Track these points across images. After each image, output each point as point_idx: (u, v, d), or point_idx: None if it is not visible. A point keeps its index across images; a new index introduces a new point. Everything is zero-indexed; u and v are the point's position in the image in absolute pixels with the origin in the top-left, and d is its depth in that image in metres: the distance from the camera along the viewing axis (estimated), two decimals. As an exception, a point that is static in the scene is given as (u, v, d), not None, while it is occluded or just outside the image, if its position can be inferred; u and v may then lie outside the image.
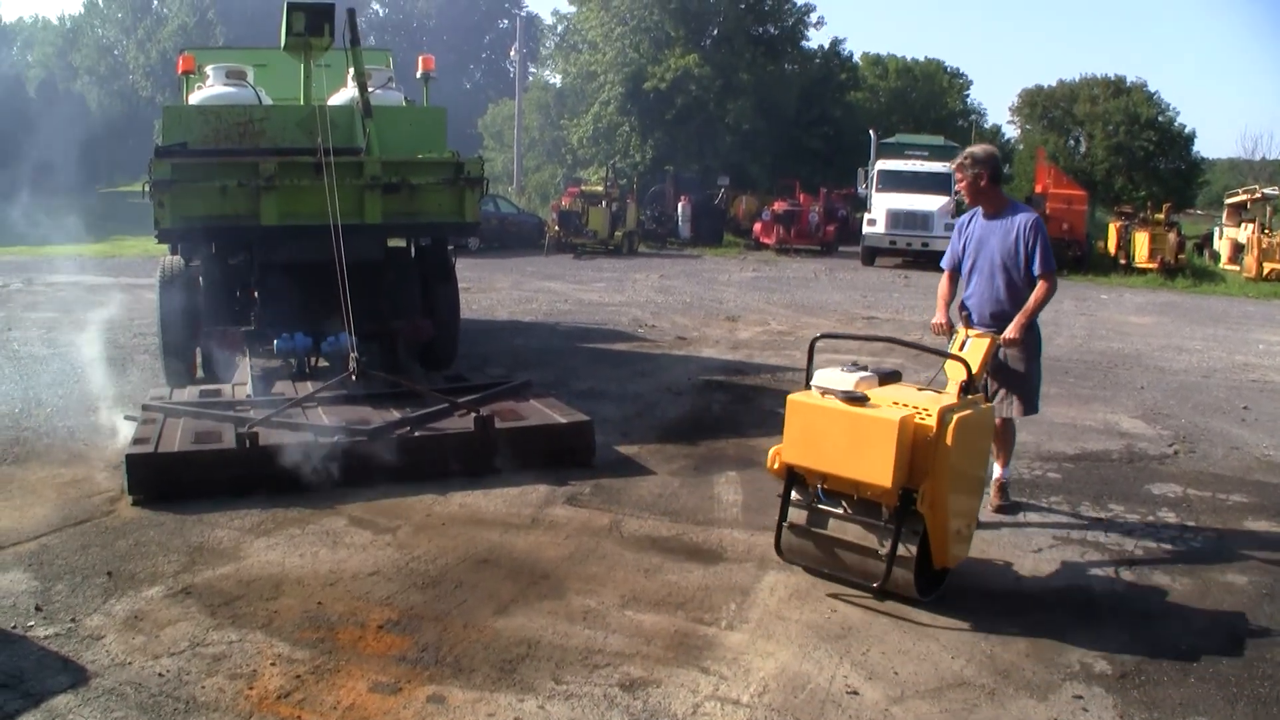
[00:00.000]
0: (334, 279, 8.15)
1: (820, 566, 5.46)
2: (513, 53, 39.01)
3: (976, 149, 6.54)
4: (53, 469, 7.17)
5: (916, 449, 4.88)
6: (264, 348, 9.24)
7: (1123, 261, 28.61)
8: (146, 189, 8.73)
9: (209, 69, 10.60)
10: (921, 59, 59.60)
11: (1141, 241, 28.27)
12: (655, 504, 6.74)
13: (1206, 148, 61.32)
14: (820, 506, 5.27)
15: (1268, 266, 26.69)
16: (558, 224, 30.15)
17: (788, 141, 43.80)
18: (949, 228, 27.77)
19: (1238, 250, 29.29)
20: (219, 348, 9.30)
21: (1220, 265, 30.31)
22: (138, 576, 5.26)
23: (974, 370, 5.64)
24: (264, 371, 9.03)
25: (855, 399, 5.03)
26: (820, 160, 45.27)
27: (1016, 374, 6.41)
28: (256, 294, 9.51)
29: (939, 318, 6.57)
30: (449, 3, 62.80)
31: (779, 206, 33.88)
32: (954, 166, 6.59)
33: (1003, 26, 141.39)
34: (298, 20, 9.52)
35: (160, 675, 4.25)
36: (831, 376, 5.22)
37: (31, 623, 4.70)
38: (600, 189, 32.16)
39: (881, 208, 28.76)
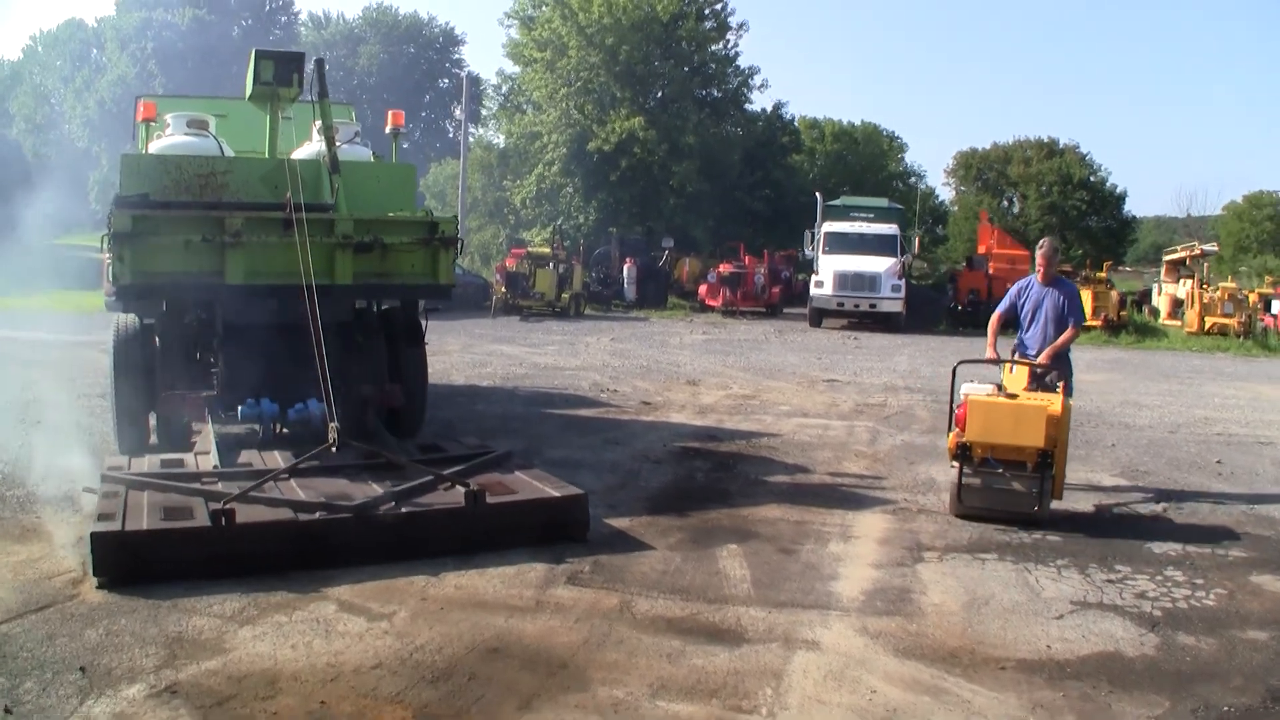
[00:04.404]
0: (301, 342, 7.80)
1: (988, 509, 7.98)
2: (458, 112, 38.57)
3: (1054, 240, 9.66)
4: (5, 545, 6.62)
5: (1052, 424, 7.72)
6: (226, 413, 8.74)
7: (1066, 319, 28.95)
8: (106, 242, 8.24)
9: (169, 117, 10.13)
10: (858, 123, 60.60)
11: (1084, 300, 28.65)
12: (661, 582, 6.37)
13: (1139, 205, 63.14)
14: (987, 470, 7.88)
15: (1209, 321, 27.17)
16: (505, 285, 29.83)
17: (730, 204, 44.02)
18: (896, 289, 28.32)
19: (1177, 305, 29.82)
20: (178, 413, 8.78)
21: (1160, 321, 30.85)
22: (115, 673, 4.74)
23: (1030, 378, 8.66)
24: (225, 439, 8.50)
25: (1013, 396, 7.94)
26: (762, 222, 45.56)
27: (1056, 388, 8.56)
28: (220, 356, 8.99)
29: (989, 353, 9.11)
30: (390, 61, 62.54)
31: (725, 269, 33.91)
32: (1043, 249, 9.19)
33: (937, 91, 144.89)
34: (266, 69, 9.14)
35: (152, 792, 3.77)
36: (976, 387, 8.14)
37: (0, 729, 4.19)
38: (547, 251, 31.98)
39: (829, 270, 28.80)
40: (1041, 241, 9.39)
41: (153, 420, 9.35)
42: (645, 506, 8.23)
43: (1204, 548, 7.57)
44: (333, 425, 6.89)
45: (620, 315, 31.97)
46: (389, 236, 8.95)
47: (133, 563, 5.93)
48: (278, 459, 7.96)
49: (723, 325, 29.08)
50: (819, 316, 29.46)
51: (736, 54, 44.77)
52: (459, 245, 9.36)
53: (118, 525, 6.08)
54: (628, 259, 35.50)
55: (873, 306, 28.62)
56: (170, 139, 9.82)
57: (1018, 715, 4.73)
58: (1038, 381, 8.66)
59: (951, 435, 8.10)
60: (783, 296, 35.12)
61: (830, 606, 6.07)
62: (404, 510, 6.71)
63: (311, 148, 10.15)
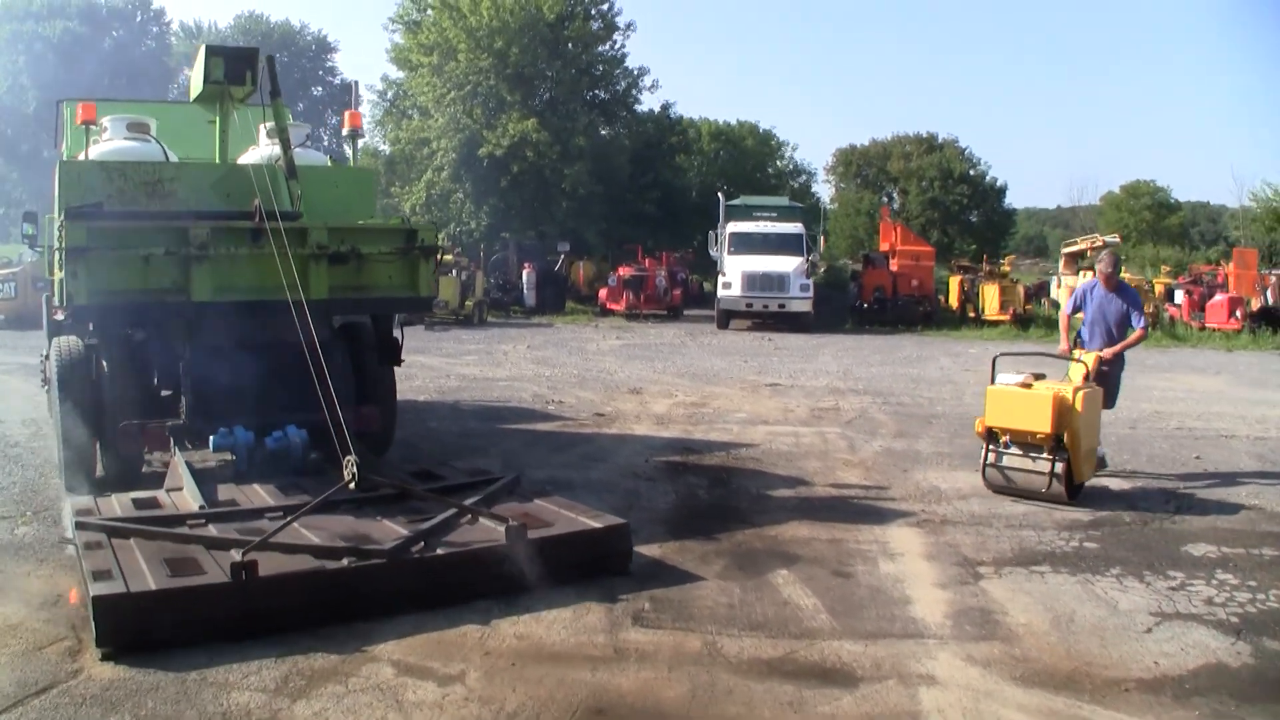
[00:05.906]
0: (274, 363, 7.31)
1: (1008, 485, 8.83)
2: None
3: (1114, 252, 10.86)
4: (-27, 612, 5.66)
5: (1062, 410, 8.47)
6: (194, 444, 7.85)
7: (971, 314, 29.19)
8: (58, 257, 7.30)
9: (106, 121, 9.13)
10: (734, 122, 60.31)
11: (992, 294, 28.81)
12: (734, 618, 5.83)
13: (1018, 197, 63.70)
14: (1006, 450, 8.80)
15: (1117, 312, 27.70)
16: (406, 294, 28.71)
17: (622, 206, 43.47)
18: (804, 288, 28.18)
19: (1078, 298, 30.52)
20: (138, 445, 7.85)
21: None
22: (170, 774, 3.97)
23: (1089, 370, 9.25)
24: (193, 472, 7.60)
25: (1026, 385, 8.72)
26: (653, 224, 45.12)
27: (1107, 382, 9.46)
28: (186, 381, 8.07)
29: (1063, 345, 10.08)
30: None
31: (625, 271, 33.40)
32: (1105, 259, 10.03)
33: (813, 89, 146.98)
34: (216, 66, 8.30)
35: None
36: (1008, 377, 8.92)
37: None
38: (449, 258, 31.03)
39: (736, 270, 28.42)
40: (1103, 254, 10.38)
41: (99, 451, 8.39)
42: (666, 531, 7.66)
43: (1236, 548, 7.50)
44: (350, 459, 6.11)
45: (523, 322, 31.19)
46: (365, 246, 8.20)
47: (142, 627, 5.10)
48: (261, 494, 7.15)
49: (630, 329, 28.52)
50: (727, 318, 29.08)
51: (624, 54, 44.33)
52: (439, 255, 8.65)
53: (121, 585, 5.23)
54: (525, 264, 34.73)
55: (781, 307, 28.36)
56: (110, 144, 8.86)
57: (1167, 738, 4.49)
58: (1100, 377, 9.36)
59: (979, 420, 9.04)
60: (682, 298, 34.80)
61: (923, 635, 5.65)
62: (441, 552, 6.01)
63: (258, 152, 9.30)
